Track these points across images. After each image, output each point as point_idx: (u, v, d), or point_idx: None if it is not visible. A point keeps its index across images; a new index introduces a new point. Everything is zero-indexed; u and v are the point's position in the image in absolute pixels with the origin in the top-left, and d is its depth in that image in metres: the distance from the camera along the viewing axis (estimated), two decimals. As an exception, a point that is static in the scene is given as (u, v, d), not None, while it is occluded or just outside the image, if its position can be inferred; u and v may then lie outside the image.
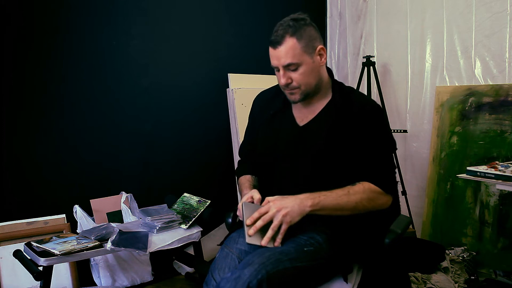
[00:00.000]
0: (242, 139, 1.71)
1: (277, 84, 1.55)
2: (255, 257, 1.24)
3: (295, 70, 1.39)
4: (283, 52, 1.37)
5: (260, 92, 1.66)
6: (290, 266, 1.26)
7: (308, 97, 1.45)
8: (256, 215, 1.29)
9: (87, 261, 2.33)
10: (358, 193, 1.36)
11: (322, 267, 1.35)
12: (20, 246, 1.95)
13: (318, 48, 1.41)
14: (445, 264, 2.34)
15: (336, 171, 1.41)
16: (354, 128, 1.41)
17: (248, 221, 1.29)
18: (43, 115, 2.33)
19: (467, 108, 2.63)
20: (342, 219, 1.39)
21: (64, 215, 2.31)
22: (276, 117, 1.54)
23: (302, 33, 1.37)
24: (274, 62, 1.41)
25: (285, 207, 1.28)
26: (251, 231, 1.28)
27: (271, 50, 1.41)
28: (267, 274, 1.19)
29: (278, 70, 1.42)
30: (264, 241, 1.28)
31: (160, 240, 1.98)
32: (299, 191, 1.35)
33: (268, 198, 1.33)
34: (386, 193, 1.42)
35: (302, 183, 1.43)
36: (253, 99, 1.66)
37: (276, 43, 1.38)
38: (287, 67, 1.39)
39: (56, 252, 1.73)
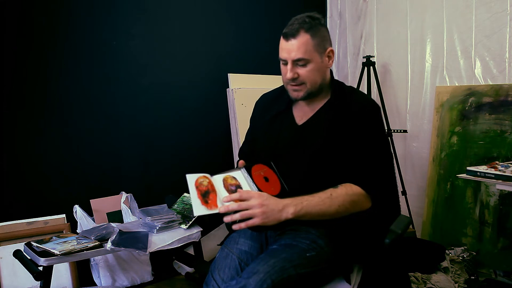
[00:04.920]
0: (243, 140, 1.71)
1: (280, 86, 1.54)
2: (260, 265, 1.24)
3: (303, 66, 1.38)
4: (296, 46, 1.36)
5: (263, 94, 1.66)
6: (294, 273, 1.26)
7: (311, 96, 1.45)
8: (236, 196, 1.25)
9: (87, 261, 2.33)
10: (340, 196, 1.32)
11: (324, 271, 1.35)
12: (20, 246, 1.96)
13: (328, 50, 1.42)
14: (445, 264, 2.33)
15: (333, 170, 1.41)
16: (352, 127, 1.41)
17: (225, 198, 1.26)
18: (43, 115, 2.33)
19: (467, 108, 2.63)
20: (343, 221, 1.38)
21: (64, 215, 2.31)
22: (277, 117, 1.54)
23: (317, 32, 1.38)
24: (283, 54, 1.39)
25: (266, 205, 1.24)
26: (223, 208, 1.24)
27: (282, 42, 1.39)
28: (273, 283, 1.20)
29: (286, 64, 1.40)
30: (222, 209, 1.24)
31: (160, 240, 1.98)
32: (297, 189, 1.34)
33: (253, 192, 1.28)
34: (368, 195, 1.37)
35: (300, 181, 1.42)
36: (254, 99, 1.66)
37: (290, 36, 1.37)
38: (296, 61, 1.38)
39: (56, 252, 1.73)
